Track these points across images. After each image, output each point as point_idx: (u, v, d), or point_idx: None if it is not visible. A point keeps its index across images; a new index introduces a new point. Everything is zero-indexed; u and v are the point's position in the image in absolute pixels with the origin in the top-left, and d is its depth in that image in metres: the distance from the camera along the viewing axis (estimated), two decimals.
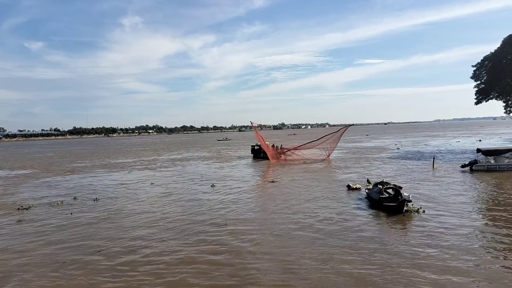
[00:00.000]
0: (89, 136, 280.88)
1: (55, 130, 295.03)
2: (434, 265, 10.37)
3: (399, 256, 11.14)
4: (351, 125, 54.29)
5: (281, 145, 46.10)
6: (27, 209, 19.82)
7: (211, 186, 25.75)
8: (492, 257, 10.96)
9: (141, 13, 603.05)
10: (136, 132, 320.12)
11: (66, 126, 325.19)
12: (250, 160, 45.46)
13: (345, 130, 43.20)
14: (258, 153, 46.13)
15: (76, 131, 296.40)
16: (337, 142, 42.42)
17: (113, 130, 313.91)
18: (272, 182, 26.47)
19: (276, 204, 18.95)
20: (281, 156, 42.77)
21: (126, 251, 12.37)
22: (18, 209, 19.92)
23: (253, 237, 13.47)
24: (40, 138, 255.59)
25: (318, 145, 42.02)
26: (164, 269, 10.77)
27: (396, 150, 51.09)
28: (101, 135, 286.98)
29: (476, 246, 11.82)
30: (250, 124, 47.05)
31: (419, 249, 11.63)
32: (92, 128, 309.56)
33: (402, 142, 71.44)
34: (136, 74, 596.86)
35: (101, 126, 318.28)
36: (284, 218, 16.05)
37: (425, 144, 61.98)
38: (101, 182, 29.77)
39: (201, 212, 17.83)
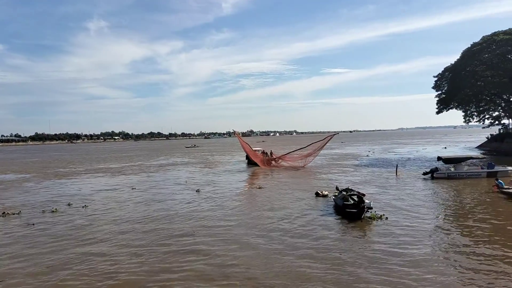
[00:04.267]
0: (52, 142, 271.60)
1: (15, 135, 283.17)
2: (388, 270, 10.48)
3: (351, 262, 11.24)
4: (337, 133, 55.28)
5: (271, 151, 46.30)
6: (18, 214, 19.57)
7: (196, 191, 25.70)
8: (446, 259, 11.28)
9: (106, 17, 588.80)
10: (102, 139, 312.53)
11: (27, 132, 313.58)
12: (244, 165, 45.58)
13: (330, 138, 43.67)
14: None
15: (38, 137, 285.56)
16: (321, 150, 42.92)
17: (77, 136, 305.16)
18: (259, 188, 26.61)
19: (252, 211, 19.03)
20: (271, 163, 42.83)
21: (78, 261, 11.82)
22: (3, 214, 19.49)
23: (216, 247, 13.11)
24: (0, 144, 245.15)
25: (305, 152, 42.44)
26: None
27: (366, 158, 52.34)
28: (65, 142, 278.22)
29: (433, 250, 12.11)
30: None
31: (376, 255, 11.78)
32: (55, 134, 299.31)
33: (375, 149, 74.05)
34: (101, 79, 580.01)
35: (64, 132, 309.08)
36: (254, 224, 16.10)
37: (394, 152, 63.89)
38: (91, 188, 29.64)
39: (172, 218, 17.61)
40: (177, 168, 46.26)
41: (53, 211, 19.74)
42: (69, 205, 21.82)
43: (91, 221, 17.46)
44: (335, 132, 49.02)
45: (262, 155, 44.36)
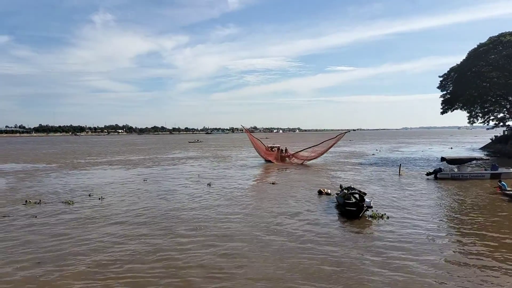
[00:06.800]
0: (56, 134, 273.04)
1: (20, 127, 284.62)
2: (385, 269, 10.77)
3: (345, 261, 11.42)
4: (348, 131, 55.97)
5: (286, 148, 46.92)
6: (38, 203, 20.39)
7: (208, 185, 26.39)
8: (445, 261, 11.50)
9: (113, 10, 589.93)
10: (105, 132, 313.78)
11: (31, 123, 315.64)
12: (255, 161, 45.67)
13: (342, 136, 44.70)
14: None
15: (42, 129, 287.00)
16: (329, 148, 43.95)
17: (81, 129, 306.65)
18: (273, 184, 27.00)
19: (258, 207, 19.31)
20: (285, 159, 43.69)
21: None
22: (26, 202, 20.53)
23: (217, 241, 13.60)
24: (4, 134, 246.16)
25: (318, 150, 43.53)
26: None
27: (372, 156, 52.95)
28: (69, 134, 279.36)
29: (435, 251, 12.26)
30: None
31: (374, 255, 11.93)
32: (59, 126, 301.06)
33: (382, 147, 75.21)
34: (105, 72, 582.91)
35: (68, 124, 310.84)
36: (256, 219, 16.52)
37: (400, 151, 64.65)
38: (109, 179, 30.65)
39: (178, 212, 17.99)
40: (189, 162, 47.43)
41: (69, 203, 20.28)
42: (89, 196, 22.58)
43: (104, 214, 17.85)
44: (342, 130, 49.50)
45: (277, 152, 44.86)
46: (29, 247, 12.93)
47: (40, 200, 20.83)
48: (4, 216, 17.38)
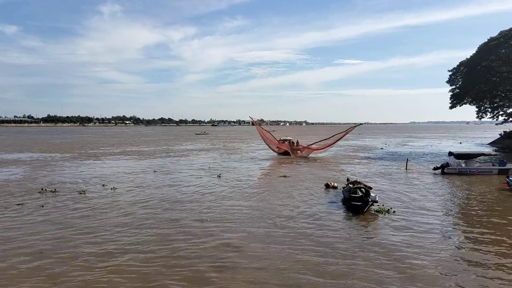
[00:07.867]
0: (64, 124, 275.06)
1: (28, 117, 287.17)
2: (395, 262, 10.92)
3: (349, 255, 11.49)
4: (359, 124, 56.24)
5: (297, 141, 47.20)
6: (53, 192, 20.97)
7: (218, 176, 26.89)
8: (453, 256, 11.57)
9: (120, 1, 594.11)
10: (113, 123, 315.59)
11: (40, 114, 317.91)
12: (272, 154, 45.32)
13: (353, 129, 45.43)
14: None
15: (50, 119, 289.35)
16: (338, 140, 44.50)
17: (88, 120, 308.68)
18: (284, 177, 27.13)
19: (266, 201, 19.31)
20: (297, 152, 44.09)
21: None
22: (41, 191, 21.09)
23: (220, 232, 13.91)
24: (13, 124, 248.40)
25: (329, 142, 43.98)
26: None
27: (380, 150, 53.06)
28: (76, 124, 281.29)
29: (442, 246, 12.28)
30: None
31: (381, 248, 12.15)
32: (67, 117, 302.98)
33: (390, 141, 75.51)
34: (113, 63, 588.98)
35: (76, 115, 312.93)
36: (264, 213, 16.61)
37: (409, 145, 64.72)
38: (119, 170, 31.00)
39: (188, 203, 18.22)
40: (199, 153, 47.99)
41: (81, 193, 20.70)
42: (103, 186, 23.06)
43: (115, 204, 18.27)
44: (349, 123, 49.79)
45: (289, 144, 45.21)
46: (40, 236, 13.30)
47: (55, 189, 21.36)
48: (18, 204, 17.83)
